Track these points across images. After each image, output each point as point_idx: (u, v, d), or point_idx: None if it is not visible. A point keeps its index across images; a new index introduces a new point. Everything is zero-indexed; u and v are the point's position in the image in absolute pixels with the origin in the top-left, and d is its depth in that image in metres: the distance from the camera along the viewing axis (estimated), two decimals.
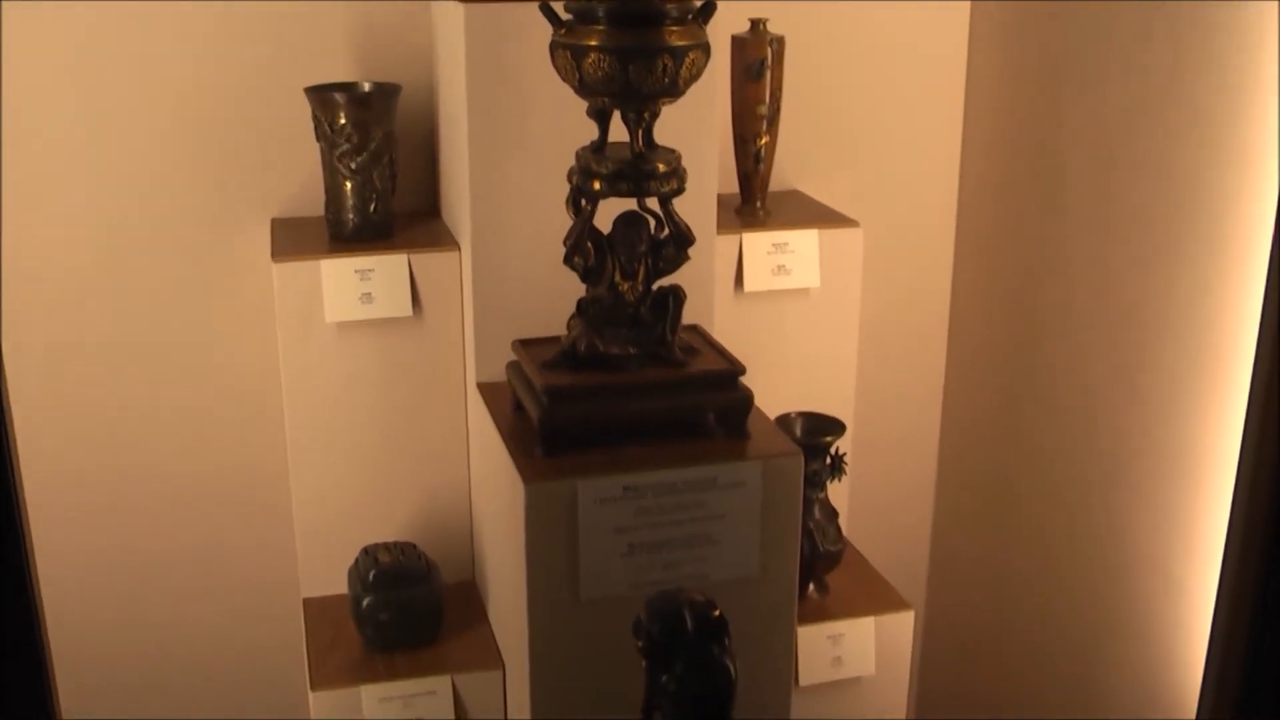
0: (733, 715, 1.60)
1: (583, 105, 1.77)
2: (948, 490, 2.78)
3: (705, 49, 1.71)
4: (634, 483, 1.75)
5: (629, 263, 1.84)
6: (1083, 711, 2.36)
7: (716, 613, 1.57)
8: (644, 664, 1.59)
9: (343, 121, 2.16)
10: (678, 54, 1.67)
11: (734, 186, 2.39)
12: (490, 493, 2.05)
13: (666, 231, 1.85)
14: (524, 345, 1.93)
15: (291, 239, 2.25)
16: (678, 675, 1.56)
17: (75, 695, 2.38)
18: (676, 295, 1.85)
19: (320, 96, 2.18)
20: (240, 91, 2.30)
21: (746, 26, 2.29)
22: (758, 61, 2.30)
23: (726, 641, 1.58)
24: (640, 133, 1.76)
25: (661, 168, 1.76)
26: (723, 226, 2.23)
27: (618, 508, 1.75)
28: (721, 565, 1.82)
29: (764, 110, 2.33)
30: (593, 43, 1.66)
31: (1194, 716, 1.86)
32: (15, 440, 1.41)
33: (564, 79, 1.73)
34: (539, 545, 1.75)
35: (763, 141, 2.34)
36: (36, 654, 1.53)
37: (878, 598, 2.29)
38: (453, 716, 2.06)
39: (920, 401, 2.75)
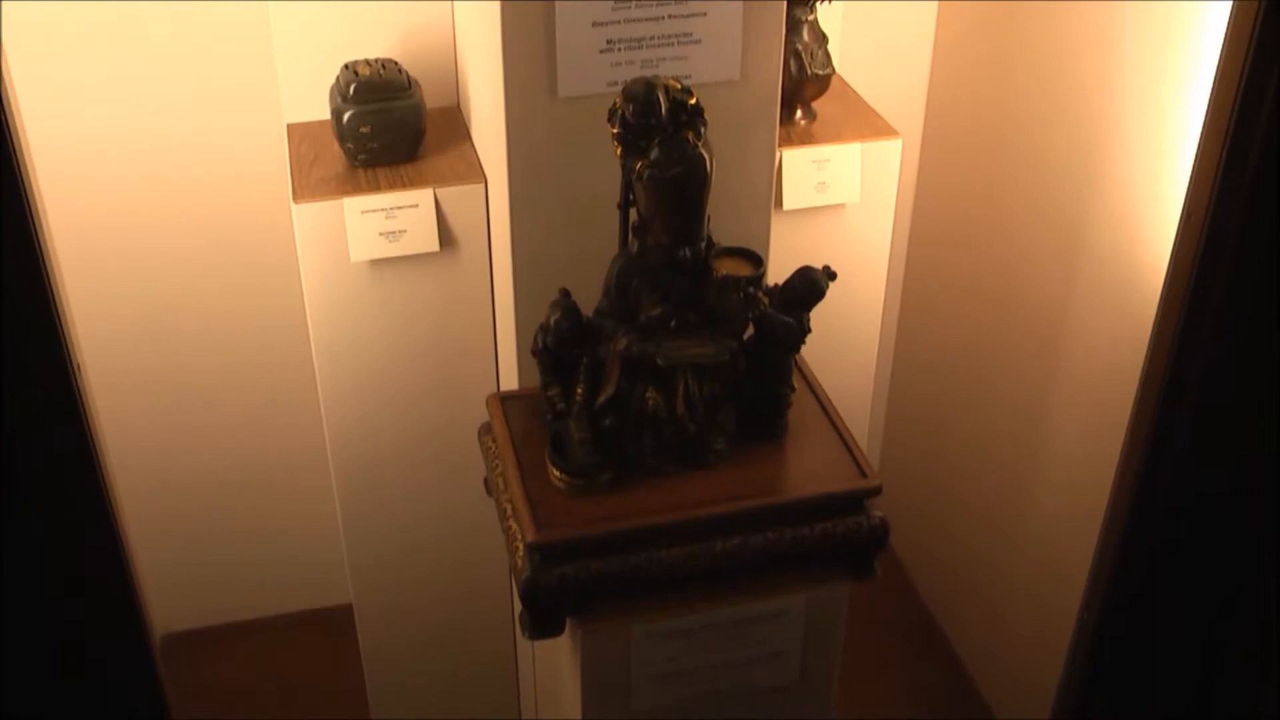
0: (706, 204, 1.60)
1: None
2: (947, 18, 2.72)
3: None
4: None
5: None
6: (1068, 271, 2.38)
7: (693, 101, 1.55)
8: (618, 153, 1.58)
9: None
10: None
11: None
12: None
13: None
14: None
15: None
16: (652, 160, 1.55)
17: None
18: None
19: None
20: None
21: None
22: None
23: (702, 129, 1.56)
24: None
25: None
26: None
27: (594, 1, 1.71)
28: (702, 66, 1.79)
29: None
30: None
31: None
32: None
33: None
34: (514, 40, 1.72)
35: None
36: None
37: (866, 125, 2.27)
38: (435, 228, 2.08)
39: None
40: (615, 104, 1.55)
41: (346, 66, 2.12)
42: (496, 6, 1.70)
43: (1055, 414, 2.48)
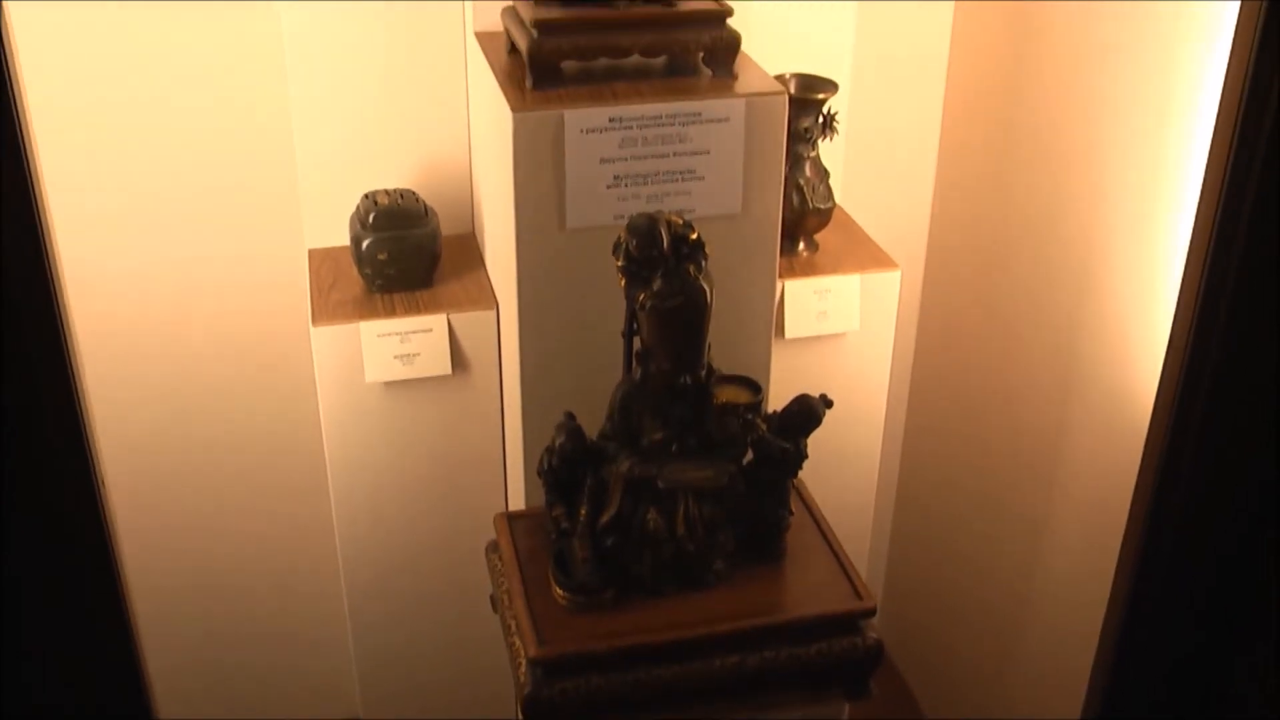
0: (706, 333, 1.67)
1: None
2: (948, 158, 2.81)
3: None
4: (619, 114, 1.79)
5: None
6: (1069, 360, 2.45)
7: (694, 236, 1.63)
8: (622, 284, 1.66)
9: None
10: None
11: None
12: (485, 134, 2.10)
13: None
14: None
15: None
16: (654, 291, 1.62)
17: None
18: None
19: None
20: None
21: None
22: None
23: (703, 263, 1.64)
24: None
25: None
26: None
27: (603, 139, 1.80)
28: (705, 200, 1.88)
29: None
30: None
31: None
32: None
33: None
34: (526, 175, 1.81)
35: None
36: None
37: (866, 256, 2.34)
38: (447, 352, 2.15)
39: (921, 72, 2.75)
40: (620, 238, 1.62)
41: (366, 196, 2.21)
42: (509, 142, 1.79)
43: (1054, 533, 2.53)
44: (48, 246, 1.69)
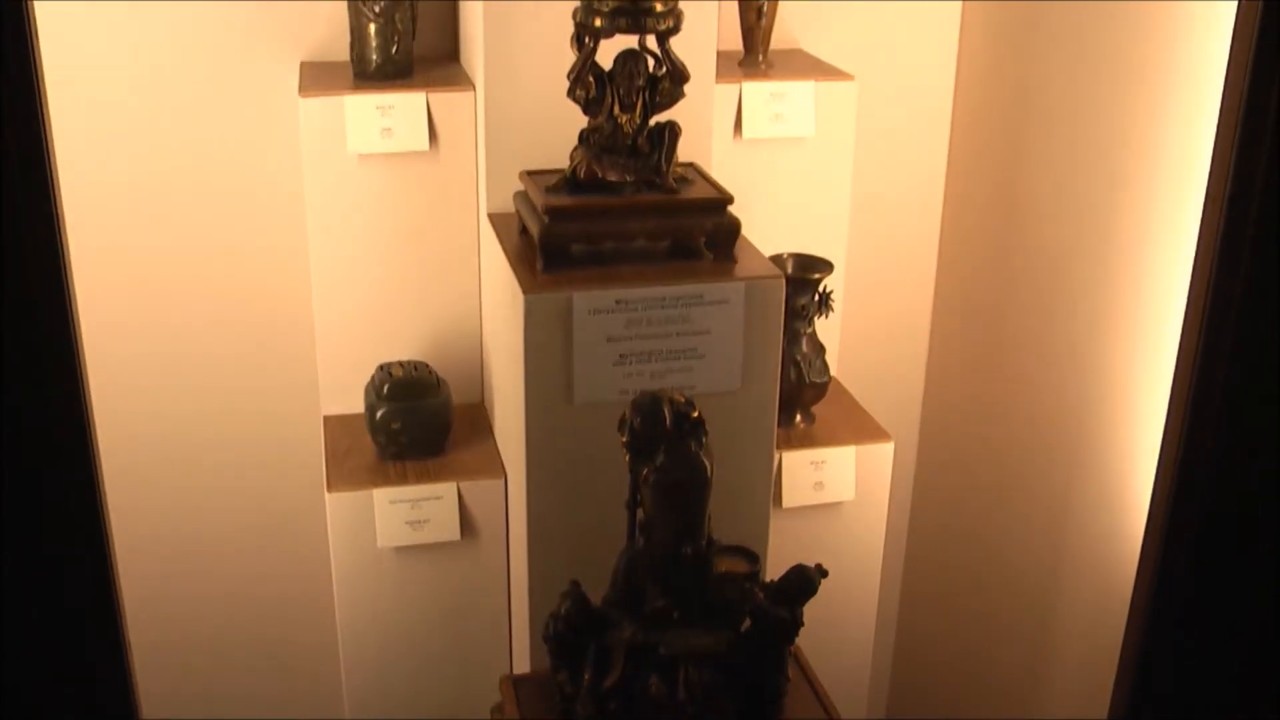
0: (707, 506, 1.75)
1: None
2: (941, 333, 2.92)
3: None
4: (625, 296, 1.89)
5: (627, 95, 1.96)
6: (1058, 530, 2.52)
7: (695, 414, 1.72)
8: (627, 459, 1.74)
9: None
10: None
11: (739, 44, 2.51)
12: (496, 311, 2.20)
13: (664, 69, 1.98)
14: (530, 175, 2.07)
15: (318, 78, 2.37)
16: (657, 466, 1.71)
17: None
18: (672, 128, 1.98)
19: None
20: None
21: None
22: None
23: (704, 439, 1.72)
24: None
25: (659, 7, 1.89)
26: (725, 76, 2.36)
27: (610, 319, 1.89)
28: (706, 377, 1.97)
29: None
30: None
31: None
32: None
33: None
34: (536, 352, 1.90)
35: None
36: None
37: (861, 428, 2.43)
38: (457, 519, 2.23)
39: (915, 248, 2.87)
40: (625, 415, 1.71)
41: (381, 367, 2.30)
42: (520, 321, 1.89)
43: (1047, 692, 2.59)
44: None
